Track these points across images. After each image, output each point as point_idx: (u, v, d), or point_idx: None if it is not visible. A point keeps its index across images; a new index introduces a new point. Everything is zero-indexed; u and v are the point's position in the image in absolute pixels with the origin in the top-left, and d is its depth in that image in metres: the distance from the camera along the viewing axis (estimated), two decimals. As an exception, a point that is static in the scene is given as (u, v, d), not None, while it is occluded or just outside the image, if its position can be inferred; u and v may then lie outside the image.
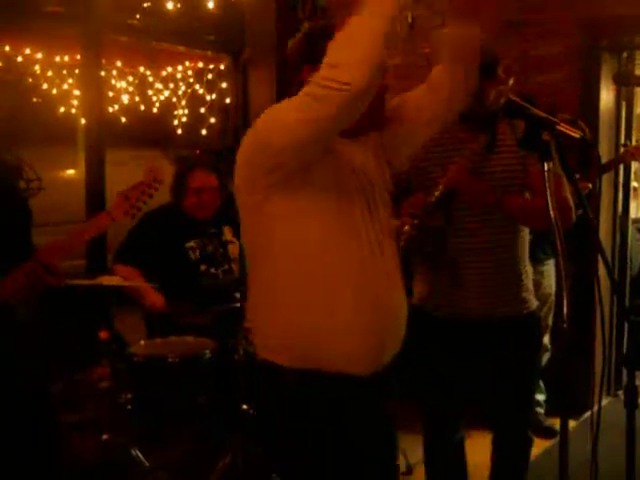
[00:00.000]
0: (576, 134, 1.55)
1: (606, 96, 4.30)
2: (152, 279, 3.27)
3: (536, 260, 3.68)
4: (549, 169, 1.55)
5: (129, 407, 2.97)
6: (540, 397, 4.01)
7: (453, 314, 2.43)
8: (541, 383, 3.95)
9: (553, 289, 3.93)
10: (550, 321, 3.86)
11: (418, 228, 2.25)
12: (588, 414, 3.99)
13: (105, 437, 2.94)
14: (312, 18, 4.45)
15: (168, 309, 3.17)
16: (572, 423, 3.70)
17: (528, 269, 2.51)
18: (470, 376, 2.50)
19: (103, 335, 3.32)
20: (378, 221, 1.79)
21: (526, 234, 2.48)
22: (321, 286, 1.69)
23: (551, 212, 1.50)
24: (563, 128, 1.56)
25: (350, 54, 1.54)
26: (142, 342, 3.13)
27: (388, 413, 1.90)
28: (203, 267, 3.29)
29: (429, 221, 2.30)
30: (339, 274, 1.69)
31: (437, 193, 2.29)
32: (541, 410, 4.02)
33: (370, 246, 1.74)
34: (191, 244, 3.31)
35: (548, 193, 1.52)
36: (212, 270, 3.32)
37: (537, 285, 3.72)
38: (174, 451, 3.04)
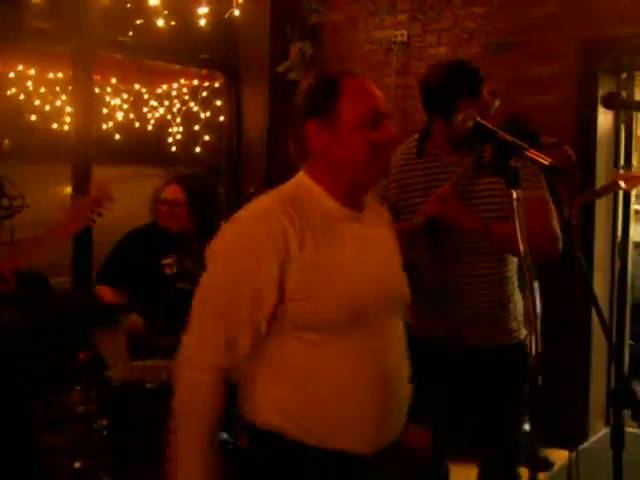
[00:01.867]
0: (545, 161, 1.46)
1: (604, 118, 4.22)
2: (132, 298, 3.23)
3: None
4: (518, 197, 1.47)
5: (105, 433, 2.89)
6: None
7: (437, 344, 2.34)
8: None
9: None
10: None
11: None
12: (585, 445, 3.89)
13: (77, 464, 2.85)
14: (302, 38, 4.42)
15: (145, 330, 3.11)
16: (566, 454, 3.64)
17: (517, 297, 2.42)
18: (455, 407, 2.41)
19: (83, 356, 3.26)
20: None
21: (514, 260, 2.39)
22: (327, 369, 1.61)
23: (520, 245, 1.40)
24: (532, 154, 1.48)
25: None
26: (120, 366, 3.04)
27: None
28: (180, 284, 3.23)
29: (412, 249, 2.22)
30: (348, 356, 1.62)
31: (416, 221, 2.21)
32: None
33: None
34: (168, 260, 3.26)
35: (517, 224, 1.43)
36: (190, 287, 3.25)
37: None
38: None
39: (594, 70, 4.08)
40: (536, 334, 1.35)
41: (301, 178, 1.70)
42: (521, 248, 1.44)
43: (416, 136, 2.40)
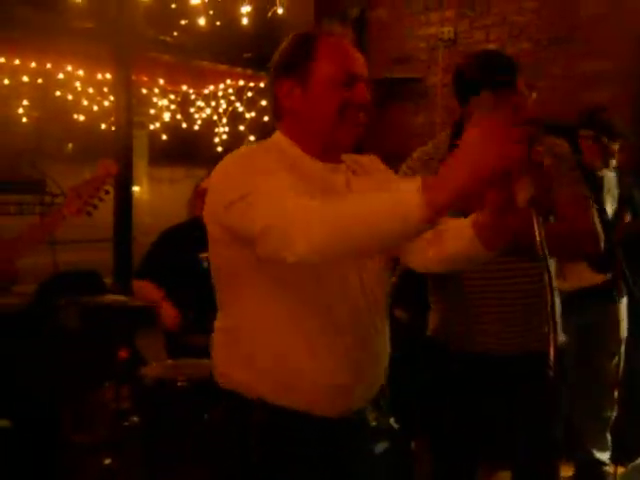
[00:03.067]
0: None
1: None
2: (171, 294, 3.23)
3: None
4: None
5: (137, 430, 2.88)
6: (602, 455, 3.56)
7: (470, 349, 2.24)
8: (608, 437, 3.57)
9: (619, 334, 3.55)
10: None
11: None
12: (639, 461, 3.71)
13: (107, 461, 2.85)
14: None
15: (179, 329, 3.10)
16: (622, 469, 3.47)
17: (556, 301, 2.29)
18: (488, 415, 2.29)
19: (122, 354, 3.28)
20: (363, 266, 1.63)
21: (551, 260, 2.26)
22: (293, 329, 1.56)
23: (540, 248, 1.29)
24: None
25: (323, 233, 1.29)
26: (154, 363, 3.04)
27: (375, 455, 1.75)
28: None
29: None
30: (312, 320, 1.56)
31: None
32: (609, 469, 3.49)
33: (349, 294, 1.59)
34: (206, 254, 3.24)
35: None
36: None
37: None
38: (182, 477, 2.92)
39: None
40: (555, 339, 1.23)
41: (276, 136, 1.67)
42: (541, 251, 1.30)
43: (448, 131, 2.31)
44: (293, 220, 1.32)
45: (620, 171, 3.43)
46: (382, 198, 1.27)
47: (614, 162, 3.37)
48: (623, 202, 3.37)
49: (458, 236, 1.57)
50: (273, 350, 1.57)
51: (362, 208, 1.29)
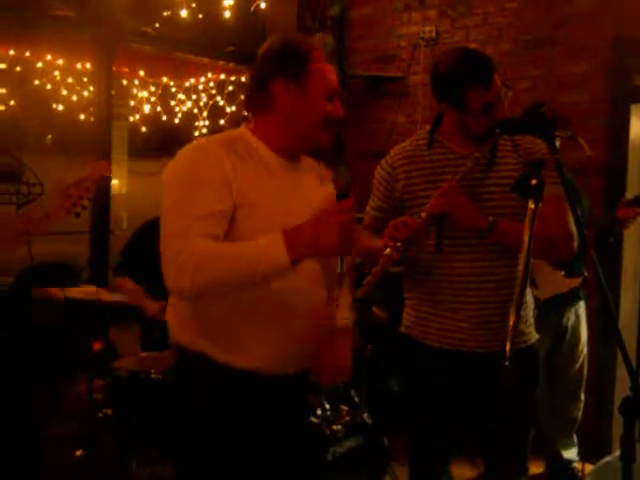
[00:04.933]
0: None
1: (637, 120, 4.07)
2: (151, 287, 3.20)
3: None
4: (536, 208, 1.50)
5: (111, 422, 2.87)
6: (569, 454, 3.60)
7: (444, 344, 2.25)
8: (574, 437, 3.61)
9: (584, 335, 3.58)
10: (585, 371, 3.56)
11: (403, 251, 2.08)
12: (608, 458, 3.76)
13: (79, 452, 2.83)
14: (322, 29, 4.36)
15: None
16: (591, 467, 3.52)
17: (528, 299, 2.31)
18: (459, 413, 2.31)
19: (96, 346, 3.27)
20: None
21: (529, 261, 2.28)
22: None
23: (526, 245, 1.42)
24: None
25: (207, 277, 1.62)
26: (126, 356, 3.03)
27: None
28: None
29: (417, 244, 2.13)
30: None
31: (424, 214, 2.12)
32: (577, 466, 3.58)
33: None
34: None
35: (532, 231, 1.48)
36: None
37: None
38: (155, 469, 2.92)
39: (627, 68, 3.94)
40: (512, 332, 1.31)
41: (242, 131, 1.84)
42: (524, 254, 1.48)
43: (427, 127, 2.32)
44: (184, 268, 1.61)
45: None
46: (251, 252, 1.61)
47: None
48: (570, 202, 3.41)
49: None
50: (220, 312, 1.74)
51: (236, 258, 1.62)
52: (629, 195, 3.94)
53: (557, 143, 3.28)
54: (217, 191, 1.66)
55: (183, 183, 1.69)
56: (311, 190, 1.87)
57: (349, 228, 1.62)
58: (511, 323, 1.46)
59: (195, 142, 1.78)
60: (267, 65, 1.78)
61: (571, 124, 3.36)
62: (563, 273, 3.38)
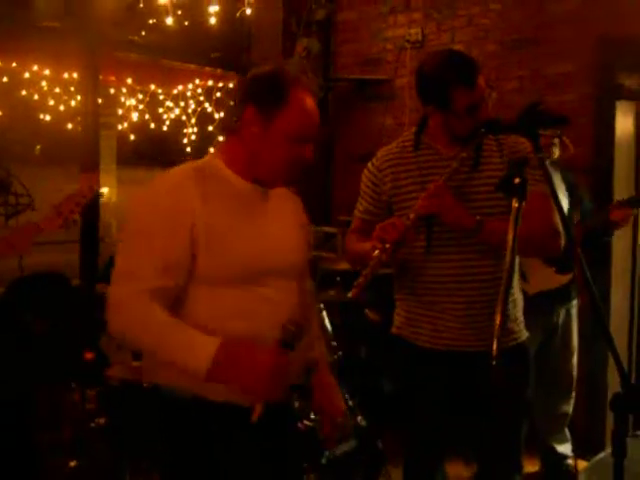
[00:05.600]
0: None
1: (623, 118, 4.10)
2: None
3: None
4: (519, 206, 1.52)
5: (103, 431, 2.87)
6: (563, 448, 3.61)
7: (434, 345, 2.26)
8: (567, 431, 3.62)
9: (575, 332, 3.60)
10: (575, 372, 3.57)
11: (391, 253, 2.09)
12: (602, 454, 3.77)
13: (72, 463, 2.82)
14: (307, 34, 4.37)
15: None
16: (585, 464, 3.53)
17: (517, 297, 2.33)
18: (455, 410, 2.32)
19: (88, 356, 3.26)
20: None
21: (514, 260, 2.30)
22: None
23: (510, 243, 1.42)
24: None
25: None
26: (118, 366, 3.02)
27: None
28: None
29: (406, 246, 2.14)
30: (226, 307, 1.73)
31: (412, 216, 2.13)
32: (570, 462, 3.58)
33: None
34: None
35: (516, 229, 1.50)
36: None
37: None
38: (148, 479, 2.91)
39: (613, 68, 3.96)
40: (499, 332, 1.32)
41: (211, 158, 1.81)
42: (508, 253, 1.50)
43: (413, 129, 2.33)
44: (119, 311, 1.65)
45: (563, 170, 3.47)
46: (180, 342, 1.62)
47: (556, 152, 3.39)
48: (571, 202, 3.42)
49: None
50: None
51: (163, 338, 1.62)
52: (617, 194, 3.97)
53: (556, 141, 3.31)
54: (180, 237, 1.66)
55: (148, 223, 1.69)
56: (282, 220, 1.85)
57: (280, 378, 1.60)
58: (497, 322, 1.47)
59: (167, 174, 1.76)
60: (246, 87, 1.75)
61: (568, 122, 3.36)
62: (554, 269, 3.39)
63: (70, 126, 5.12)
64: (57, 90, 5.13)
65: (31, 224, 2.31)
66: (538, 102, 3.41)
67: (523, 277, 3.19)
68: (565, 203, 3.39)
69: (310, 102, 1.75)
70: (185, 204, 1.67)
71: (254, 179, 1.78)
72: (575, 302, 3.52)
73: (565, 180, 3.44)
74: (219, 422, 1.71)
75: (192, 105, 5.50)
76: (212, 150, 1.85)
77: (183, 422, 1.73)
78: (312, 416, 2.91)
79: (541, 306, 3.29)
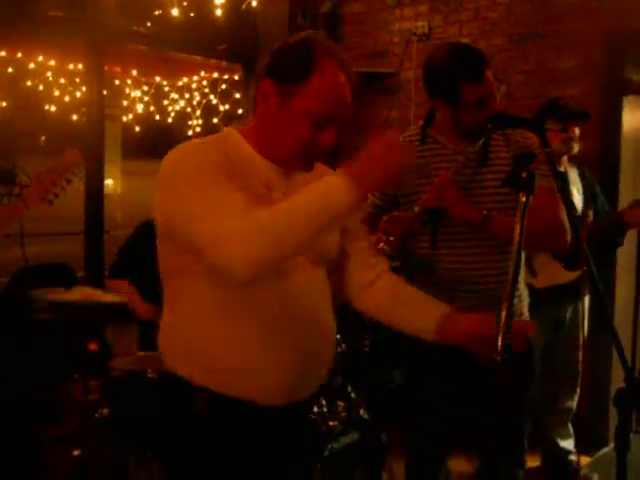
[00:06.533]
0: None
1: (630, 113, 4.08)
2: (148, 289, 3.21)
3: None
4: (526, 200, 1.49)
5: (107, 422, 2.87)
6: (566, 444, 3.59)
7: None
8: (570, 427, 3.62)
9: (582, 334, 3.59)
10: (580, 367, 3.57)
11: (396, 246, 2.09)
12: (605, 450, 3.78)
13: (76, 453, 2.83)
14: (314, 26, 4.35)
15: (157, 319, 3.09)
16: (587, 459, 3.53)
17: (523, 292, 2.32)
18: (460, 405, 2.32)
19: (92, 346, 3.26)
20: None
21: (522, 254, 2.29)
22: (233, 319, 1.55)
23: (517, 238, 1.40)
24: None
25: (247, 247, 1.37)
26: (122, 356, 3.03)
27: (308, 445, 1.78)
28: None
29: (411, 239, 2.14)
30: (254, 310, 1.54)
31: (417, 209, 2.12)
32: (573, 457, 3.55)
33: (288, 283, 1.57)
34: None
35: (523, 224, 1.48)
36: None
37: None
38: (152, 470, 2.92)
39: (620, 62, 3.94)
40: (505, 326, 1.32)
41: (230, 131, 1.63)
42: (515, 248, 1.47)
43: (420, 123, 2.32)
44: (229, 242, 1.37)
45: (581, 166, 3.45)
46: (310, 189, 1.40)
47: (576, 147, 3.38)
48: (586, 198, 3.40)
49: (392, 297, 1.78)
50: (220, 340, 1.55)
51: (293, 202, 1.39)
52: (623, 189, 3.96)
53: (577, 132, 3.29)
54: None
55: (193, 171, 1.46)
56: None
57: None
58: (502, 317, 1.46)
59: (186, 143, 1.58)
60: (268, 58, 1.55)
61: (589, 117, 3.36)
62: (562, 265, 3.38)
63: (75, 117, 5.12)
64: (62, 81, 5.12)
65: (17, 201, 2.28)
66: (559, 97, 3.43)
67: (532, 272, 3.18)
68: (578, 199, 3.38)
69: (341, 76, 1.51)
70: (216, 159, 1.49)
71: (272, 157, 1.58)
72: (586, 298, 3.50)
73: (581, 176, 3.43)
74: (232, 417, 1.58)
75: (197, 97, 5.49)
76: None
77: (194, 413, 1.59)
78: (315, 409, 2.92)
79: (549, 301, 3.28)
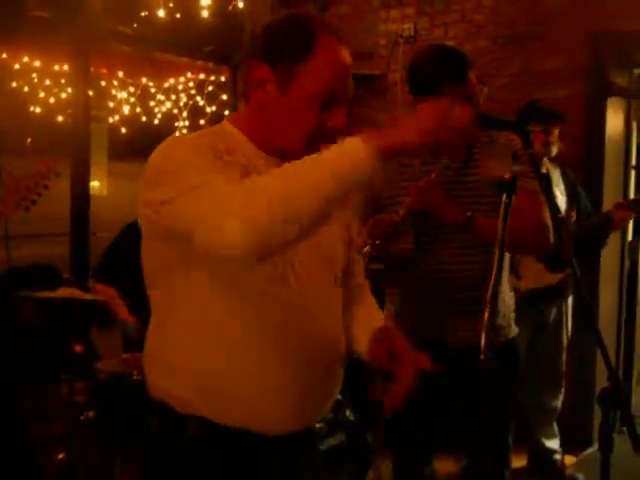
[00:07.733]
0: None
1: (614, 115, 4.11)
2: (133, 291, 3.20)
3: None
4: (508, 201, 1.50)
5: (92, 424, 2.86)
6: (551, 443, 3.65)
7: (426, 340, 2.26)
8: (555, 426, 3.64)
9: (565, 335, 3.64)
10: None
11: (381, 249, 2.09)
12: (589, 450, 3.81)
13: (60, 456, 2.82)
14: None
15: (138, 324, 3.08)
16: (572, 459, 3.56)
17: (507, 294, 2.34)
18: (445, 404, 2.33)
19: (78, 348, 3.25)
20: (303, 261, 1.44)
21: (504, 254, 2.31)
22: (228, 340, 1.39)
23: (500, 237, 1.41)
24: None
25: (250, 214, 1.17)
26: (108, 358, 3.02)
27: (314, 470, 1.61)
28: None
29: (396, 241, 2.15)
30: (252, 332, 1.39)
31: (402, 211, 2.13)
32: (558, 457, 3.62)
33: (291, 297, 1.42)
34: None
35: (504, 225, 1.49)
36: None
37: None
38: (137, 473, 2.91)
39: (604, 65, 3.98)
40: (487, 326, 1.33)
41: (224, 125, 1.48)
42: (497, 248, 1.48)
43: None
44: (224, 205, 1.19)
45: (563, 166, 3.48)
46: (325, 152, 1.22)
47: (554, 149, 3.41)
48: (569, 199, 3.43)
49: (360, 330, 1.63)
50: (213, 364, 1.39)
51: (306, 164, 1.22)
52: (607, 190, 3.99)
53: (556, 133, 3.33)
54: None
55: (179, 159, 1.32)
56: None
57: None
58: (485, 316, 1.48)
59: (178, 136, 1.54)
60: (260, 40, 1.41)
61: (562, 119, 3.41)
62: (546, 267, 3.41)
63: (61, 118, 5.09)
64: (48, 82, 5.10)
65: None
66: (538, 99, 3.46)
67: (516, 274, 3.20)
68: (562, 201, 3.41)
69: (342, 50, 1.39)
70: (210, 151, 1.34)
71: (275, 150, 1.42)
72: (570, 299, 3.54)
73: (564, 177, 3.46)
74: (233, 450, 1.42)
75: (184, 98, 5.49)
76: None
77: (184, 446, 1.42)
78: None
79: (533, 303, 3.32)
